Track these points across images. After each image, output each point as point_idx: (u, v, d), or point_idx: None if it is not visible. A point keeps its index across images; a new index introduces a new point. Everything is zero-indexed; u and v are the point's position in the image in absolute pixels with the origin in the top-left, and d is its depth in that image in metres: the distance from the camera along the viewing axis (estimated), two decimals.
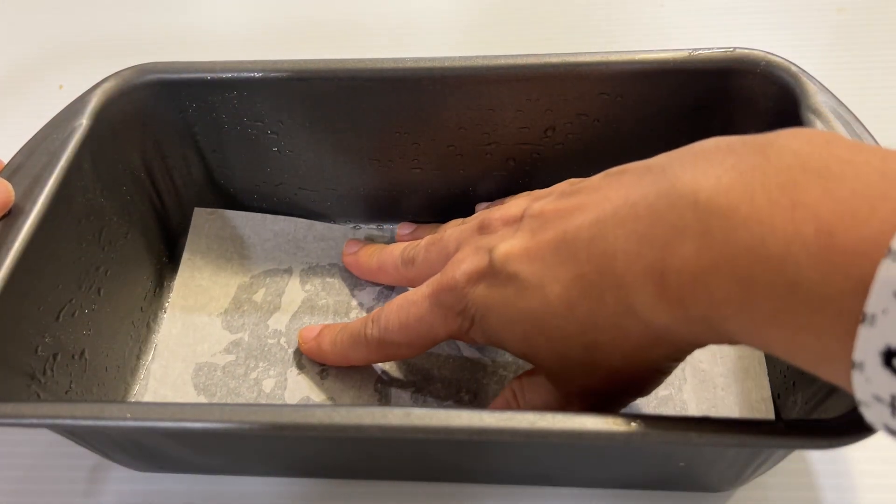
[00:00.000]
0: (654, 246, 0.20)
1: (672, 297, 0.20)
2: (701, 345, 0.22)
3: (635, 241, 0.20)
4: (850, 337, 0.16)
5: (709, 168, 0.19)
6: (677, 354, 0.23)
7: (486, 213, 0.28)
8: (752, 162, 0.19)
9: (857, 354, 0.16)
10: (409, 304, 0.28)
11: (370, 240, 0.37)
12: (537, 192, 0.29)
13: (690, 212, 0.19)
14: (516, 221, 0.26)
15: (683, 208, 0.19)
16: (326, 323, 0.34)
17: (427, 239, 0.31)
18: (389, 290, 0.35)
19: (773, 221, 0.17)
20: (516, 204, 0.27)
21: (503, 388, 0.28)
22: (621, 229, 0.21)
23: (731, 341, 0.20)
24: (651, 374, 0.24)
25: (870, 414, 0.17)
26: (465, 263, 0.26)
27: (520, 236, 0.25)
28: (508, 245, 0.24)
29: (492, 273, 0.25)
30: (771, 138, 0.19)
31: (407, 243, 0.32)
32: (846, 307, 0.16)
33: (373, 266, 0.34)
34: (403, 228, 0.37)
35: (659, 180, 0.21)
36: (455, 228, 0.29)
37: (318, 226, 0.37)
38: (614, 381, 0.24)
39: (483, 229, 0.27)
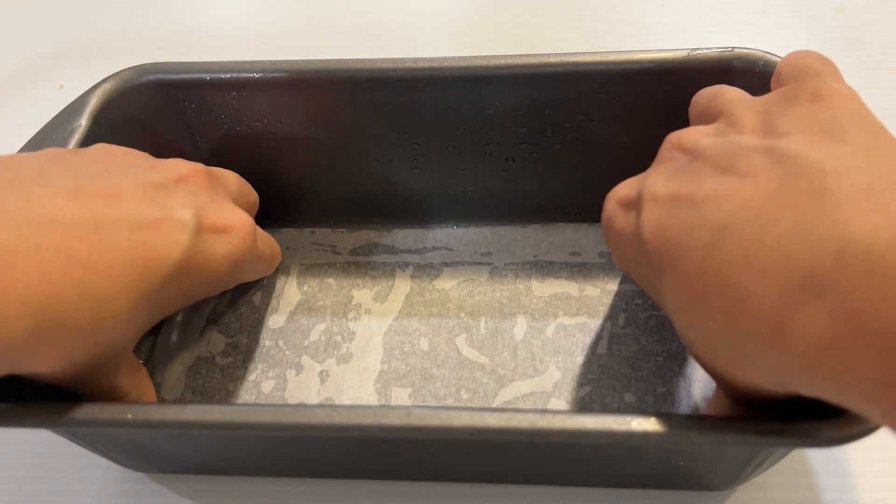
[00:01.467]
0: (777, 290, 0.17)
1: (790, 353, 0.17)
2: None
3: (751, 278, 0.17)
4: None
5: (869, 207, 0.16)
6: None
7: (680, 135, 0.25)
8: None
9: None
10: None
11: (371, 243, 0.37)
12: (735, 111, 0.23)
13: (828, 264, 0.16)
14: (689, 152, 0.23)
15: (820, 254, 0.16)
16: (324, 324, 0.34)
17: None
18: (386, 291, 0.35)
19: None
20: (691, 134, 0.24)
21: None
22: (741, 251, 0.18)
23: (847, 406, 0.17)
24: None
25: None
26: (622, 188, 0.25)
27: (665, 184, 0.22)
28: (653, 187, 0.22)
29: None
30: None
31: None
32: None
33: None
34: None
35: (803, 202, 0.17)
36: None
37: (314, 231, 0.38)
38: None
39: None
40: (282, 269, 0.37)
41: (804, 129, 0.20)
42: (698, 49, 0.30)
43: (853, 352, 0.15)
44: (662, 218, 0.21)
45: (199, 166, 0.29)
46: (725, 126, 0.23)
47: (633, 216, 0.23)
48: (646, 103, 0.32)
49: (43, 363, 0.23)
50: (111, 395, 0.27)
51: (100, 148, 0.28)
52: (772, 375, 0.19)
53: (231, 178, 0.32)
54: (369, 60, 0.32)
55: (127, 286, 0.23)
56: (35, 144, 0.30)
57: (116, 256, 0.23)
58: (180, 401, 0.32)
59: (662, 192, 0.22)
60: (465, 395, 0.32)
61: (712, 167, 0.21)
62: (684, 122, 0.32)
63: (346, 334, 0.34)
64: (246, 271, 0.30)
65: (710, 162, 0.21)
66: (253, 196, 0.34)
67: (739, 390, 0.22)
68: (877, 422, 0.17)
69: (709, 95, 0.26)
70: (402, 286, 0.35)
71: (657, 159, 0.25)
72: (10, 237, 0.20)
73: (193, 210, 0.25)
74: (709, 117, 0.25)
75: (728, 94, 0.25)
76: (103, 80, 0.32)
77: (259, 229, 0.31)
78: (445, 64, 0.31)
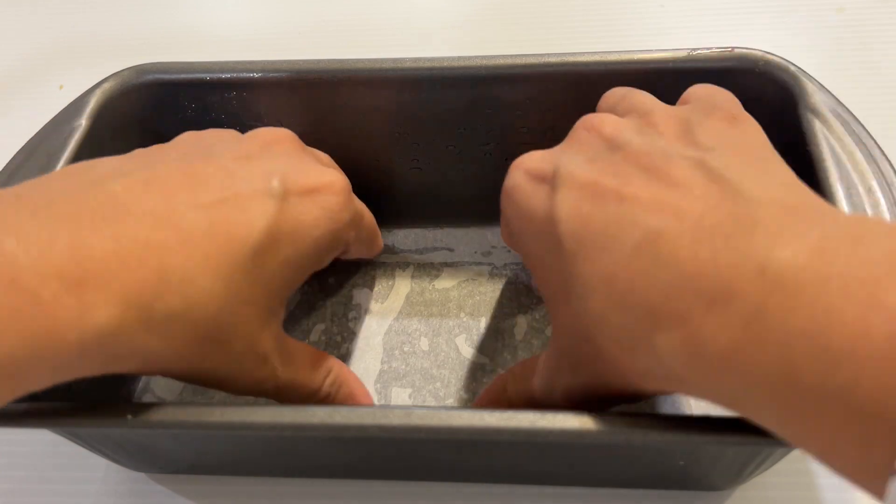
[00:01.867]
0: (698, 297, 0.18)
1: (698, 359, 0.18)
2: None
3: (678, 283, 0.19)
4: None
5: (791, 236, 0.17)
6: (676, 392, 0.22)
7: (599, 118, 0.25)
8: (838, 244, 0.17)
9: None
10: None
11: None
12: (651, 108, 0.25)
13: (750, 278, 0.17)
14: (608, 139, 0.24)
15: (744, 270, 0.17)
16: (324, 324, 0.34)
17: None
18: (386, 291, 0.35)
19: (841, 316, 0.15)
20: (611, 123, 0.24)
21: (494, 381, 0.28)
22: (673, 258, 0.19)
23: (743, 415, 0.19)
24: (642, 397, 0.23)
25: None
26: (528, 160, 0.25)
27: (587, 169, 0.23)
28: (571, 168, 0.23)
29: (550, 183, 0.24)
30: (869, 225, 0.17)
31: None
32: None
33: None
34: None
35: (735, 225, 0.18)
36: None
37: None
38: (599, 393, 0.23)
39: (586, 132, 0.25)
40: None
41: (728, 149, 0.21)
42: (698, 49, 0.30)
43: (757, 355, 0.17)
44: (583, 204, 0.22)
45: (286, 131, 0.29)
46: (644, 124, 0.23)
47: (543, 191, 0.24)
48: None
49: (145, 356, 0.22)
50: (289, 392, 0.26)
51: (185, 135, 0.28)
52: (670, 373, 0.19)
53: (324, 156, 0.31)
54: (369, 60, 0.32)
55: (209, 260, 0.22)
56: (34, 144, 0.30)
57: (194, 236, 0.22)
58: (180, 401, 0.32)
59: (582, 176, 0.22)
60: (465, 395, 0.32)
61: (636, 165, 0.22)
62: None
63: (346, 334, 0.34)
64: (348, 234, 0.28)
65: (634, 159, 0.22)
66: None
67: (614, 377, 0.22)
68: (770, 429, 0.18)
69: (620, 94, 0.27)
70: (402, 286, 0.35)
71: (571, 138, 0.25)
72: (85, 232, 0.20)
73: (278, 176, 0.25)
74: (619, 113, 0.25)
75: (640, 96, 0.26)
76: (103, 80, 0.32)
77: (356, 199, 0.30)
78: (445, 64, 0.31)
